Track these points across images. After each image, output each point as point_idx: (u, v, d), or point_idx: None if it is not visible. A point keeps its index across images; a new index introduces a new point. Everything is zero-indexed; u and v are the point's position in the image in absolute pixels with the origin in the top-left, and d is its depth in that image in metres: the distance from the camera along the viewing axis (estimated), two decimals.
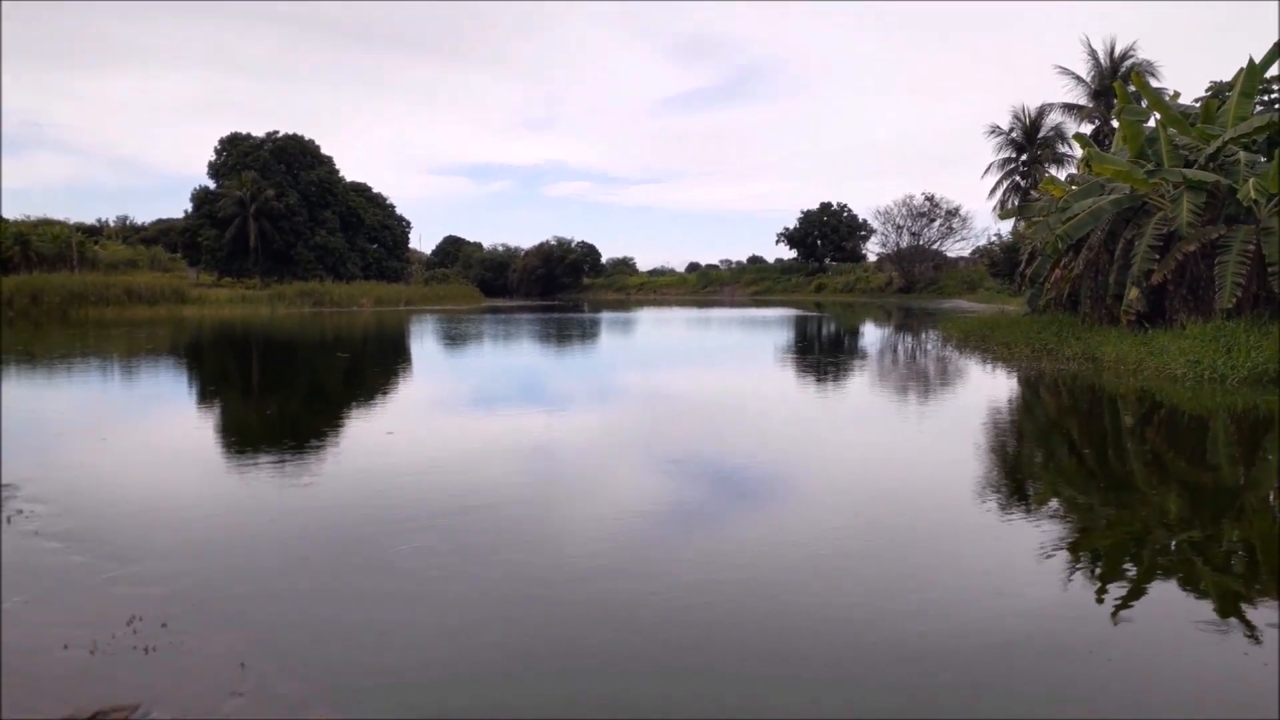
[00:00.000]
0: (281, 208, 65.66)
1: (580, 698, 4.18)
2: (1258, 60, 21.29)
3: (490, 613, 5.22)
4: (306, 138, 70.39)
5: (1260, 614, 5.24)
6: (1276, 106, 27.82)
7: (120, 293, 48.37)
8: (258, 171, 66.04)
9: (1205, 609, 5.40)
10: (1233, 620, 5.15)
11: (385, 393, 16.77)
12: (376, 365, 22.40)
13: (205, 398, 16.26)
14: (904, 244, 75.37)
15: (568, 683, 4.34)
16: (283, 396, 16.37)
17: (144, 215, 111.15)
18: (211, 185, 68.34)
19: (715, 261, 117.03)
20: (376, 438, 11.41)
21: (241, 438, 11.70)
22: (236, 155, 67.94)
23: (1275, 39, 22.15)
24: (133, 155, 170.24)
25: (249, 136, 69.39)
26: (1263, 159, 19.94)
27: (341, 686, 4.29)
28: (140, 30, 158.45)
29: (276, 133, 69.64)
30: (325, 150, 71.52)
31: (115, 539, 6.62)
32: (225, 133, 71.37)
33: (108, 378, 18.21)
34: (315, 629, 5.00)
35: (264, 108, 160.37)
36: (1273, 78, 30.30)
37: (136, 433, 12.03)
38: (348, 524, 7.14)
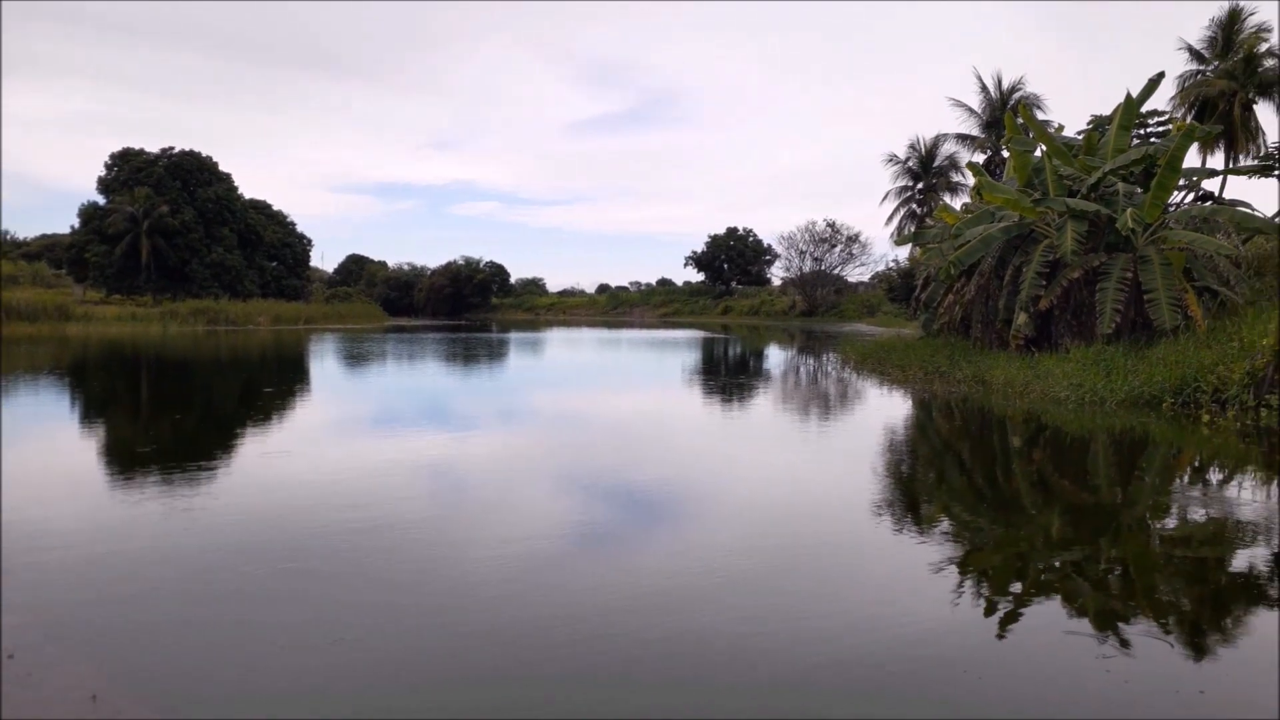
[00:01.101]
0: (176, 224, 63.32)
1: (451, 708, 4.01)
2: (1135, 95, 22.47)
3: (366, 644, 4.99)
4: (204, 154, 68.22)
5: (1134, 630, 5.39)
6: (1152, 140, 29.39)
7: None
8: (151, 187, 63.61)
9: (1084, 626, 5.52)
10: (1109, 636, 5.28)
11: (277, 414, 16.18)
12: (271, 385, 21.64)
13: (83, 419, 15.41)
14: (807, 269, 77.11)
15: (450, 709, 4.16)
16: (167, 418, 15.63)
17: (26, 230, 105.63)
18: (102, 201, 65.50)
19: (625, 283, 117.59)
20: (263, 461, 10.95)
21: (119, 460, 11.09)
22: (129, 171, 65.33)
23: (1149, 76, 23.36)
24: (15, 169, 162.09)
25: (142, 152, 66.83)
26: (1139, 190, 21.02)
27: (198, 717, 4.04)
28: (23, 40, 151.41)
29: (172, 149, 67.28)
30: (224, 167, 69.46)
31: None
32: (116, 148, 68.64)
33: None
34: (175, 660, 4.72)
35: (159, 123, 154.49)
36: (1148, 112, 32.11)
37: (6, 453, 11.29)
38: (220, 550, 6.78)
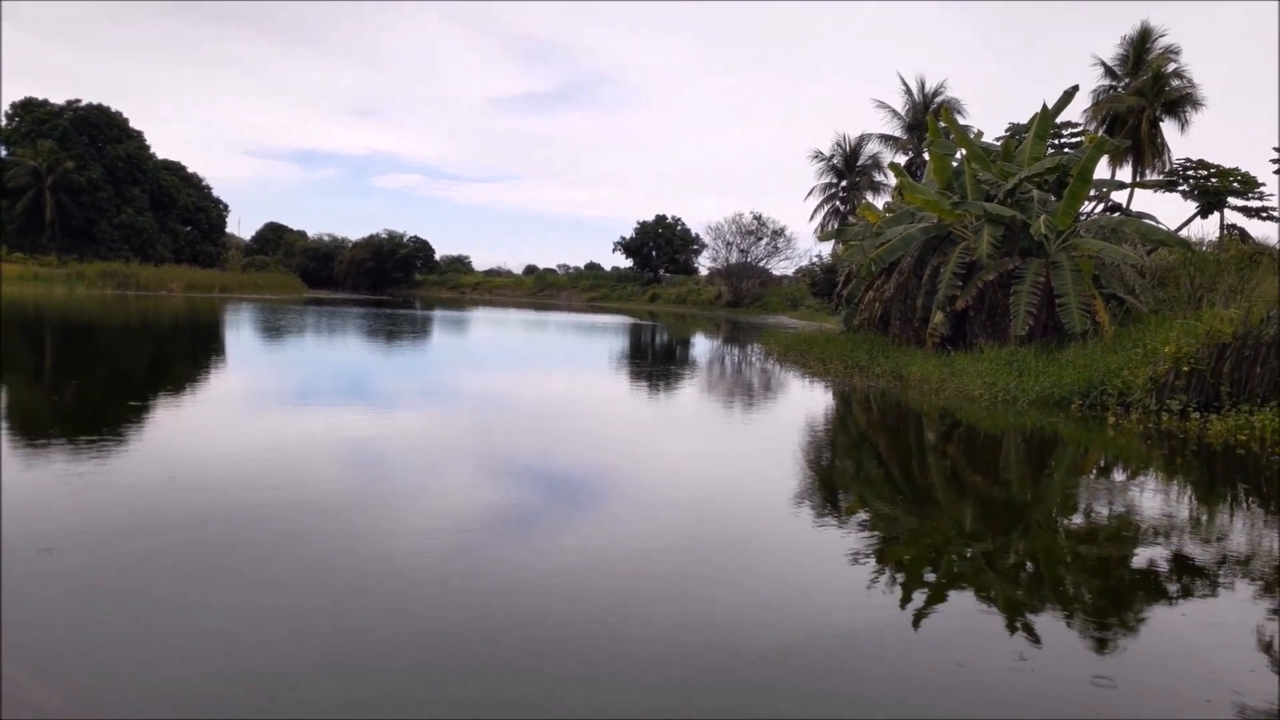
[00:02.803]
0: (83, 181, 60.74)
1: (407, 698, 3.99)
2: (1050, 107, 23.26)
3: (282, 624, 4.92)
4: (113, 109, 65.55)
5: (1040, 621, 5.64)
6: (1065, 150, 30.46)
7: None
8: (56, 141, 60.83)
9: (995, 616, 5.75)
10: (1016, 627, 5.52)
11: (190, 386, 15.70)
12: (184, 355, 20.97)
13: None
14: (733, 260, 77.75)
15: (376, 695, 4.13)
16: (75, 384, 15.02)
17: None
18: (1, 152, 62.38)
19: (553, 266, 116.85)
20: (176, 434, 10.64)
21: (21, 428, 10.64)
22: (31, 122, 62.43)
23: (1065, 89, 24.22)
24: None
25: (46, 103, 63.90)
26: (1052, 198, 21.79)
27: (106, 697, 3.94)
28: None
29: (79, 101, 64.51)
30: (134, 124, 66.83)
31: None
32: (18, 97, 65.40)
33: None
34: (84, 635, 4.59)
35: (65, 73, 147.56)
36: (1063, 123, 33.31)
37: None
38: (132, 526, 6.57)
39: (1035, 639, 5.30)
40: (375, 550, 6.35)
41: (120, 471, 8.31)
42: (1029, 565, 7.11)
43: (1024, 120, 28.31)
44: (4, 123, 63.59)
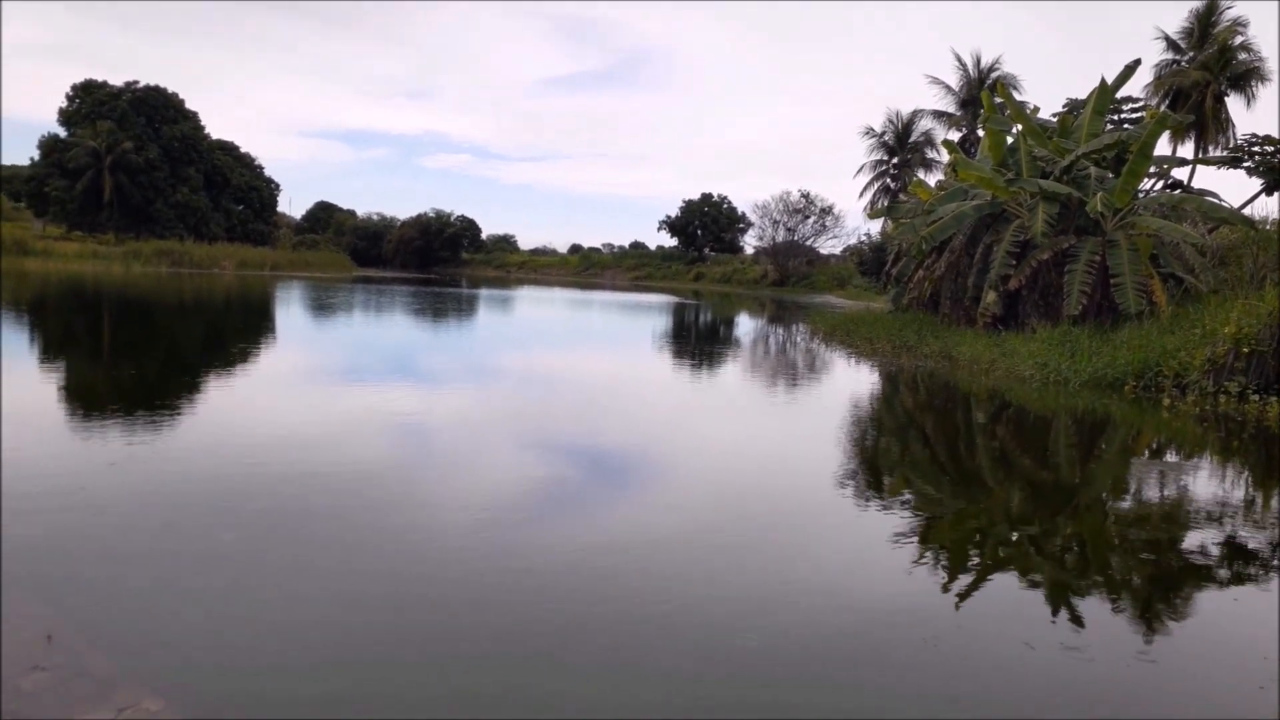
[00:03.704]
0: (140, 161, 61.85)
1: (418, 686, 4.02)
2: (1110, 82, 22.61)
3: (333, 593, 4.98)
4: (170, 90, 66.52)
5: (1087, 606, 5.52)
6: (1125, 126, 29.64)
7: None
8: (115, 122, 61.98)
9: (1040, 599, 5.64)
10: (1062, 612, 5.40)
11: (246, 361, 15.99)
12: (237, 332, 21.36)
13: (47, 356, 15.12)
14: (780, 238, 77.01)
15: (415, 672, 4.17)
16: (133, 359, 15.37)
17: None
18: (63, 133, 63.74)
19: (598, 245, 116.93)
20: (230, 407, 10.84)
21: (84, 402, 10.92)
22: (91, 104, 63.54)
23: (1126, 63, 23.51)
24: None
25: (105, 85, 64.98)
26: (1110, 175, 21.20)
27: (153, 664, 4.02)
28: None
29: (136, 83, 65.47)
30: (190, 105, 67.77)
31: None
32: (79, 79, 66.69)
33: None
34: (137, 603, 4.70)
35: (124, 56, 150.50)
36: (1122, 99, 32.35)
37: None
38: (185, 496, 6.72)
39: (1081, 623, 5.18)
40: (416, 531, 6.41)
41: (171, 447, 8.49)
42: (1077, 548, 6.96)
43: (1082, 96, 27.55)
44: (64, 104, 64.95)
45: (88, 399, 11.22)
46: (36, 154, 63.90)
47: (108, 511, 6.27)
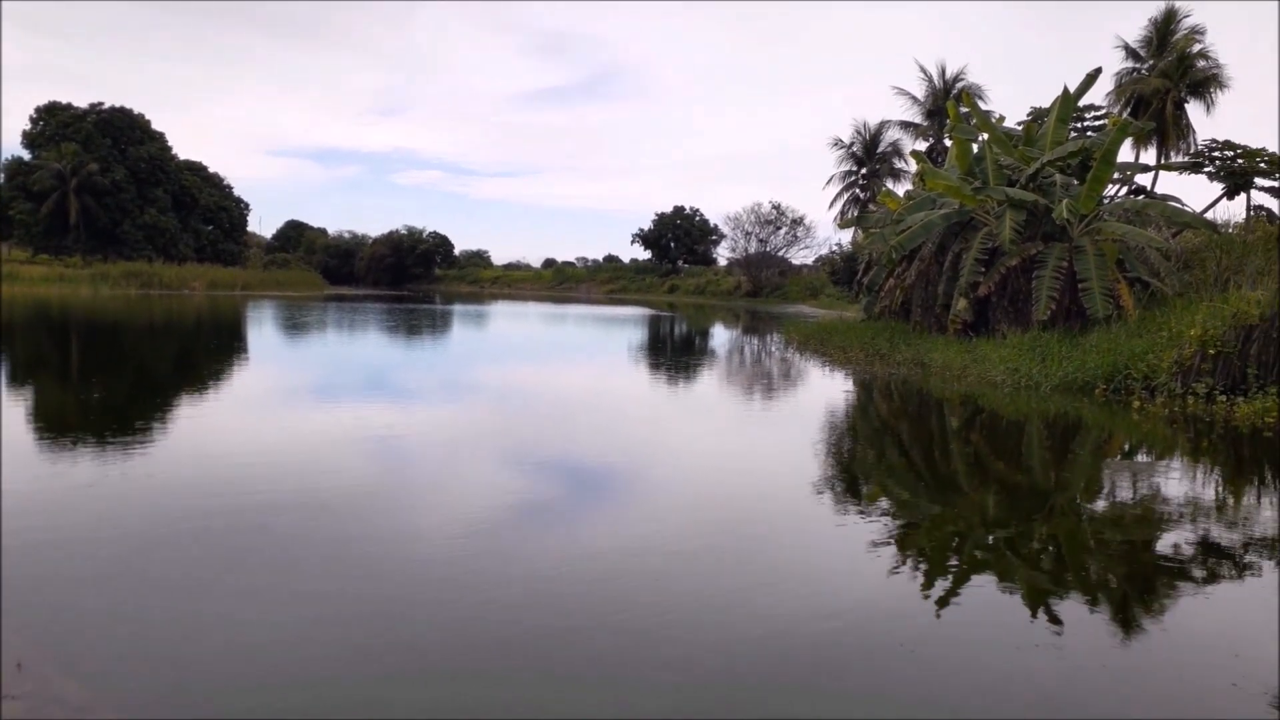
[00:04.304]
0: (106, 183, 61.24)
1: (407, 705, 4.00)
2: (1072, 90, 22.98)
3: (305, 614, 4.96)
4: (135, 111, 65.97)
5: (1063, 607, 5.59)
6: (1088, 134, 30.10)
7: None
8: (80, 144, 61.37)
9: (1018, 602, 5.71)
10: (1040, 613, 5.47)
11: (214, 384, 15.84)
12: (208, 352, 21.15)
13: (15, 381, 14.91)
14: (752, 249, 77.44)
15: (388, 689, 4.15)
16: (102, 382, 15.18)
17: None
18: (27, 156, 63.03)
19: (571, 259, 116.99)
20: (202, 429, 10.73)
21: (52, 426, 10.77)
22: (55, 126, 62.91)
23: (1088, 72, 23.89)
24: None
25: (70, 106, 64.36)
26: (1075, 182, 21.53)
27: (131, 690, 3.99)
28: None
29: (101, 104, 64.92)
30: (156, 126, 67.27)
31: None
32: (42, 101, 66.05)
33: None
34: (108, 629, 4.65)
35: (88, 77, 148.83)
36: (1085, 107, 32.87)
37: None
38: (155, 519, 6.66)
39: (1058, 624, 5.25)
40: (396, 547, 6.39)
41: (143, 470, 8.40)
42: (1052, 550, 7.05)
43: (1046, 104, 27.96)
44: (28, 126, 64.25)
45: (56, 423, 11.08)
46: (1, 178, 63.13)
47: (78, 537, 6.19)
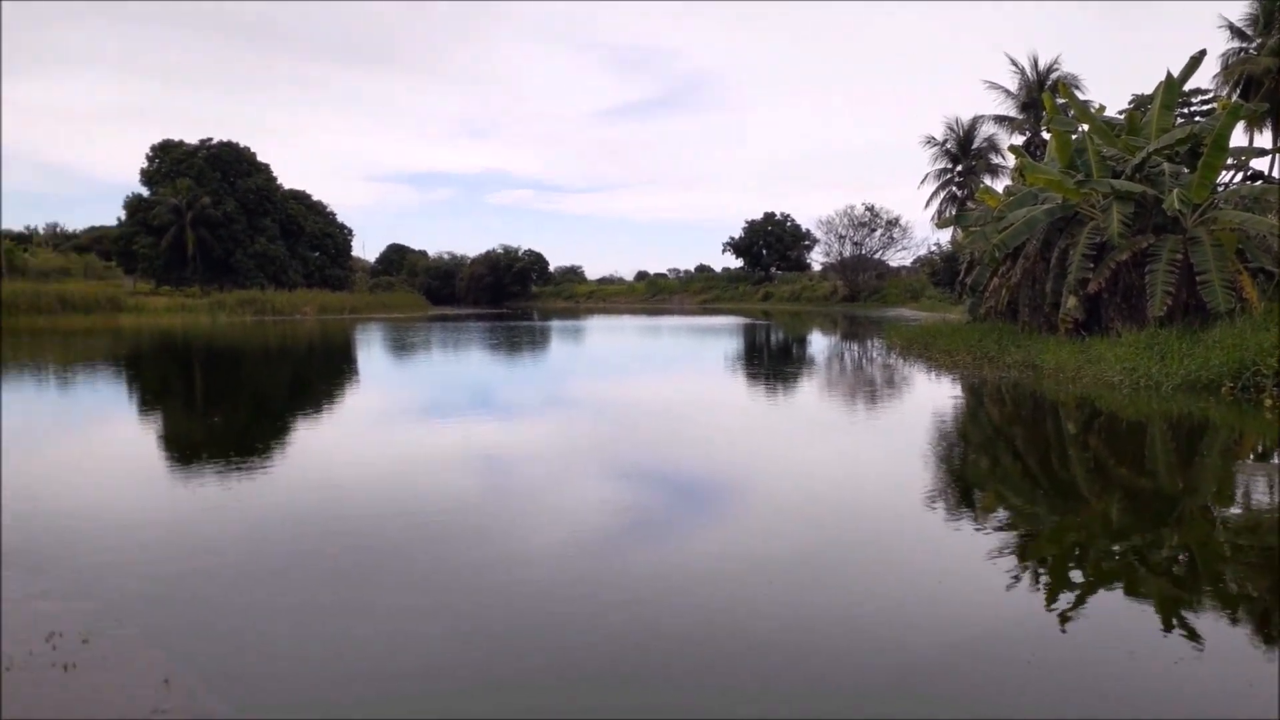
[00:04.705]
0: (219, 215, 64.33)
1: (531, 713, 4.13)
2: (1176, 75, 22.02)
3: (432, 630, 5.13)
4: (242, 145, 69.13)
5: (1201, 621, 5.38)
6: (1196, 119, 28.78)
7: (53, 301, 46.97)
8: (193, 179, 64.66)
9: (1149, 615, 5.52)
10: (1174, 626, 5.28)
11: (332, 402, 16.48)
12: (322, 374, 22.02)
13: (146, 407, 15.82)
14: (847, 253, 76.43)
15: (515, 698, 4.27)
16: (227, 406, 15.98)
17: (75, 222, 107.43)
18: (145, 193, 66.71)
19: (663, 270, 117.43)
20: (320, 449, 11.19)
21: (181, 449, 11.40)
22: (170, 162, 66.43)
23: (1191, 54, 22.87)
24: (60, 161, 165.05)
25: (181, 143, 67.88)
26: (1185, 170, 20.60)
27: (272, 704, 4.19)
28: (65, 34, 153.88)
29: (210, 140, 68.29)
30: (262, 158, 70.35)
31: (39, 553, 6.40)
32: (157, 139, 69.83)
33: (43, 386, 17.62)
34: (245, 645, 4.88)
35: (197, 115, 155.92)
36: (1191, 91, 31.41)
37: (71, 444, 11.64)
38: (285, 538, 6.98)
39: (1195, 639, 5.06)
40: (509, 562, 6.54)
41: (263, 491, 8.81)
42: (1184, 559, 6.78)
43: (1148, 91, 26.84)
44: (145, 164, 67.94)
45: (188, 447, 11.70)
46: (123, 214, 66.94)
47: (215, 558, 6.54)
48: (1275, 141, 35.50)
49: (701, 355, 29.49)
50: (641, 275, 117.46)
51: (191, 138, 68.44)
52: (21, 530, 7.02)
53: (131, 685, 4.33)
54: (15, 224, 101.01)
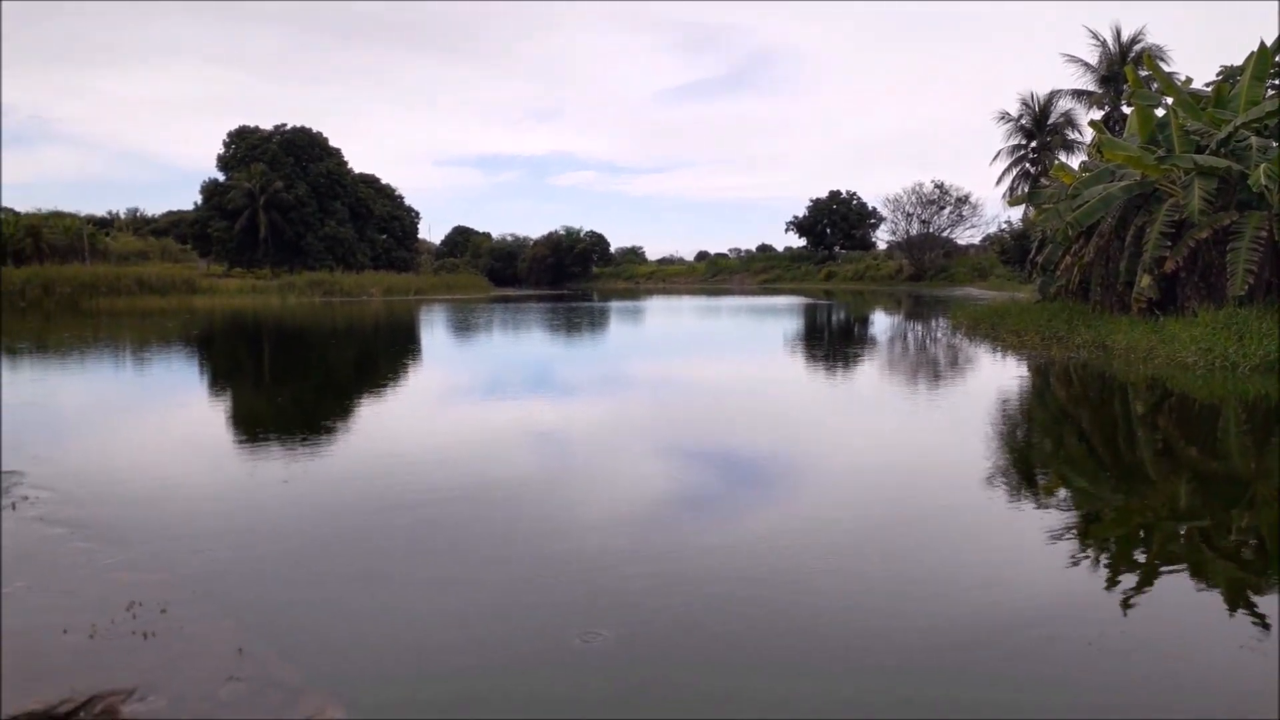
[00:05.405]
0: (290, 199, 65.86)
1: (592, 688, 4.15)
2: (1269, 44, 21.05)
3: (498, 601, 5.19)
4: (314, 130, 70.55)
5: (1269, 603, 5.17)
6: None
7: (131, 283, 48.65)
8: (266, 164, 66.28)
9: (1214, 600, 5.33)
10: (1240, 611, 5.09)
11: (398, 380, 16.77)
12: (388, 353, 22.42)
13: (217, 385, 16.29)
14: (914, 231, 75.06)
15: (578, 673, 4.30)
16: (295, 384, 16.37)
17: (154, 208, 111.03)
18: (221, 178, 68.61)
19: (724, 250, 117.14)
20: (386, 425, 11.40)
21: (251, 425, 11.71)
22: (245, 148, 68.16)
23: None
24: (141, 149, 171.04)
25: (257, 129, 69.58)
26: (1275, 144, 19.71)
27: (341, 674, 4.28)
28: (146, 27, 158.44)
29: (284, 126, 69.85)
30: (333, 143, 71.74)
31: (119, 525, 6.63)
32: (233, 126, 71.62)
33: (121, 366, 18.27)
34: (317, 616, 4.99)
35: (271, 102, 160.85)
36: None
37: (148, 420, 12.05)
38: (353, 511, 7.13)
39: (1263, 623, 4.87)
40: (563, 539, 6.59)
41: (330, 467, 9.01)
42: (1254, 544, 6.52)
43: (1239, 62, 25.74)
44: (221, 150, 69.79)
45: (258, 423, 12.01)
46: (199, 199, 68.91)
47: (285, 532, 6.71)
48: None
49: (758, 336, 29.28)
50: (702, 255, 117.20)
51: (267, 124, 70.12)
52: (103, 505, 7.28)
53: (207, 653, 4.46)
54: (97, 209, 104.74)
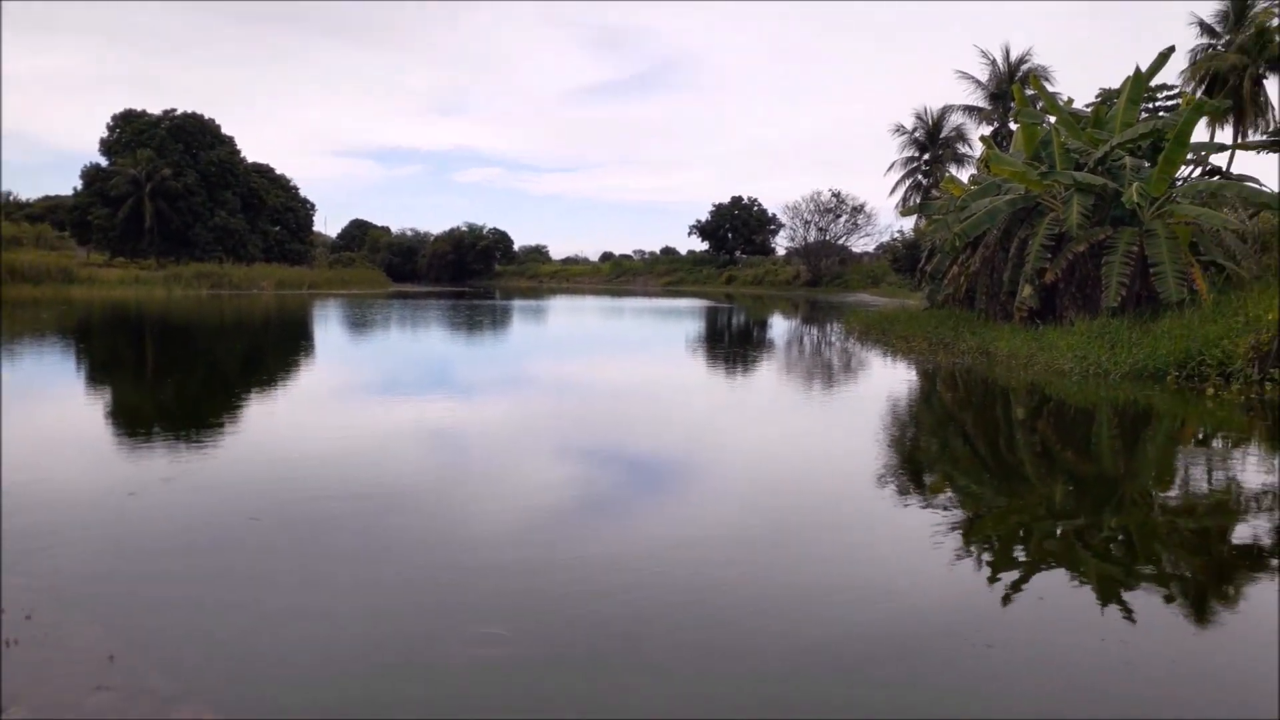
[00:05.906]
0: (179, 187, 63.15)
1: (475, 692, 4.09)
2: (1144, 70, 22.30)
3: (381, 604, 5.08)
4: (206, 116, 67.86)
5: (1139, 599, 5.47)
6: (1160, 114, 29.18)
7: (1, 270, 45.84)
8: (154, 150, 63.38)
9: (1088, 595, 5.60)
10: (1112, 605, 5.36)
11: (283, 379, 16.26)
12: (277, 349, 21.71)
13: (94, 380, 15.50)
14: (811, 239, 76.80)
15: (466, 677, 4.23)
16: (172, 382, 15.69)
17: (29, 191, 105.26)
18: (104, 163, 65.25)
19: (629, 251, 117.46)
20: (271, 425, 11.04)
21: (126, 423, 11.18)
22: (131, 132, 65.04)
23: (1160, 50, 23.16)
24: (16, 129, 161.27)
25: (144, 114, 66.49)
26: (1147, 164, 20.90)
27: (214, 682, 4.12)
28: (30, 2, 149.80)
29: (174, 110, 66.95)
30: (226, 130, 69.14)
31: None
32: (119, 109, 68.27)
33: None
34: (190, 621, 4.80)
35: (160, 84, 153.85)
36: (1157, 86, 31.85)
37: (13, 417, 11.36)
38: (228, 513, 6.87)
39: (1130, 616, 5.14)
40: (457, 538, 6.50)
41: (214, 466, 8.68)
42: (1123, 541, 6.89)
43: (1116, 85, 27.19)
44: (105, 134, 66.45)
45: (133, 420, 11.48)
46: (79, 184, 65.43)
47: (160, 534, 6.43)
48: (1235, 138, 36.15)
49: (660, 337, 29.49)
50: (607, 256, 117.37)
51: (157, 108, 67.13)
52: None
53: (74, 661, 4.25)
54: None
